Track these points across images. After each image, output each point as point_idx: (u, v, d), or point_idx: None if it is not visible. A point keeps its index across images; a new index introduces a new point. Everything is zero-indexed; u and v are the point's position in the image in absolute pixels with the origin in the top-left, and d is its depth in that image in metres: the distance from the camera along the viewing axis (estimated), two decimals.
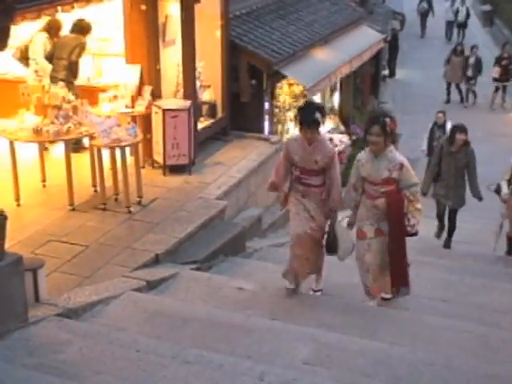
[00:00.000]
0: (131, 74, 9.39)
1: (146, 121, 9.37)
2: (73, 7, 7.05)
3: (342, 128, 16.02)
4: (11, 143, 7.99)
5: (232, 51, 10.96)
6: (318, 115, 6.28)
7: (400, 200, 6.17)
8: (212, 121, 10.69)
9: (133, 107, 9.24)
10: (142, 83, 9.39)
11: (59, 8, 6.77)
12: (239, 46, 11.14)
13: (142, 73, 9.37)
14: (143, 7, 9.12)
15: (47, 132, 7.88)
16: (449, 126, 12.66)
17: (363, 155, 6.33)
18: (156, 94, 9.44)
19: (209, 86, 10.74)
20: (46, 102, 8.32)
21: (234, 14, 11.66)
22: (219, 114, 10.84)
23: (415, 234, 6.28)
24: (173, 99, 9.66)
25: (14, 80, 9.92)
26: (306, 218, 6.50)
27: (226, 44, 10.75)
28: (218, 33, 10.64)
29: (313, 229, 6.51)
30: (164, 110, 9.08)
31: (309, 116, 6.27)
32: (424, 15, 28.77)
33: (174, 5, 9.37)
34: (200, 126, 10.24)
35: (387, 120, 6.05)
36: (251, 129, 11.18)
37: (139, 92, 9.38)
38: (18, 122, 8.07)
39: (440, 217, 10.50)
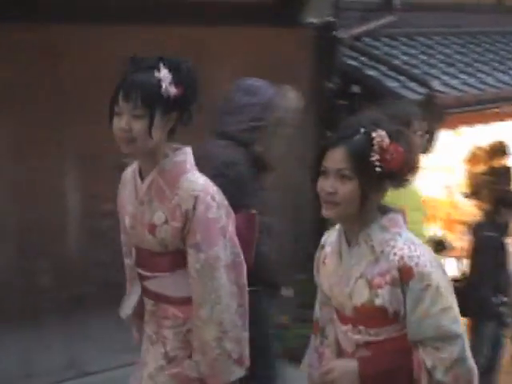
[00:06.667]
0: None
1: None
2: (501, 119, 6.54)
3: None
4: None
5: None
6: (157, 74, 2.40)
7: (395, 371, 2.23)
8: None
9: None
10: None
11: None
12: None
13: None
14: None
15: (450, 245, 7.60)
16: None
17: (331, 236, 2.47)
18: None
19: None
20: (454, 217, 8.02)
21: None
22: None
23: None
24: None
25: None
26: None
27: None
28: None
29: None
30: None
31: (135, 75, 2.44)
32: None
33: None
34: None
35: (376, 135, 2.19)
36: None
37: None
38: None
39: None
